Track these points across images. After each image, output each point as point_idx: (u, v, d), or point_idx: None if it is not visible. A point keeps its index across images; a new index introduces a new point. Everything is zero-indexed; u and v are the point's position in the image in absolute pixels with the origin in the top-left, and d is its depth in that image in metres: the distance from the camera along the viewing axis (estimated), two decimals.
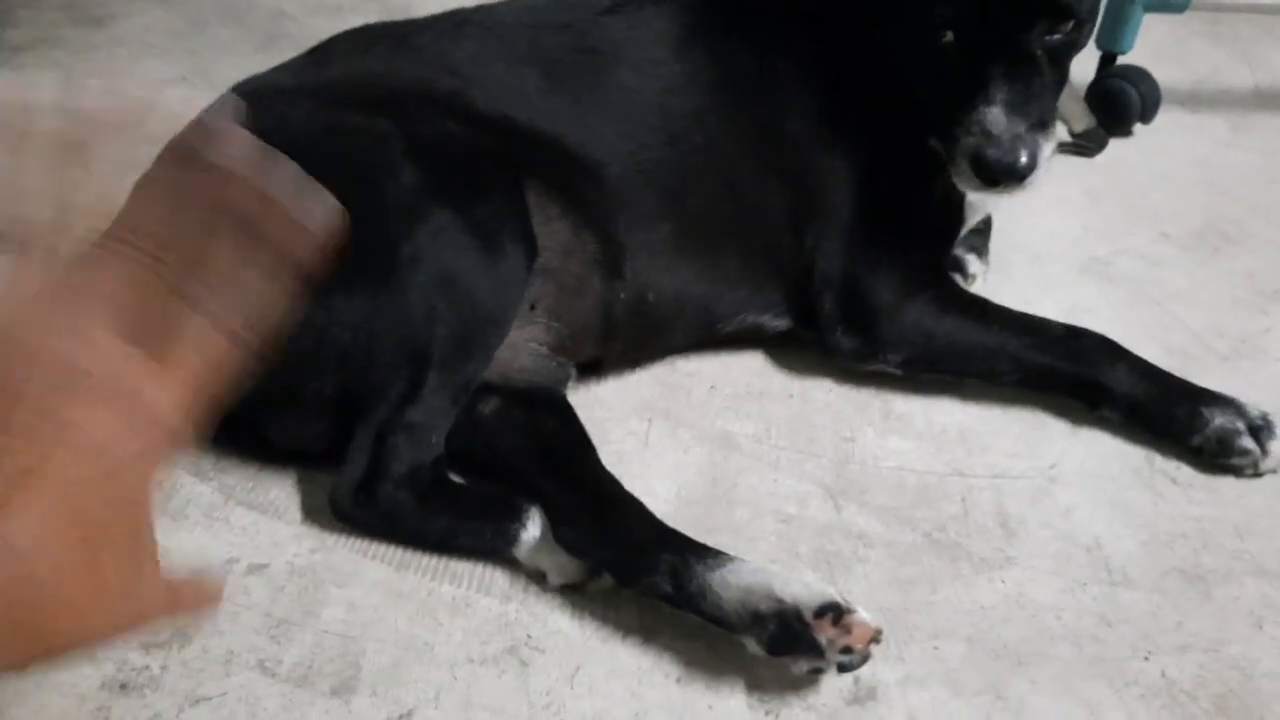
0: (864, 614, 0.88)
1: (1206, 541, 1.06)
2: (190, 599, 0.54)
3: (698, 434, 1.15)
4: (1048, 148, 1.05)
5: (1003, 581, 1.02)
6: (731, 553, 1.01)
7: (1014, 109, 1.03)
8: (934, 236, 1.22)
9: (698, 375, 1.22)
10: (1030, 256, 1.43)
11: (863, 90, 1.16)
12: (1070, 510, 1.09)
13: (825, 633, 0.87)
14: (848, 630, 0.87)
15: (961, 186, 1.11)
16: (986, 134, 1.03)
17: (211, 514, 1.02)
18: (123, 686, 0.88)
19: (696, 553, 0.92)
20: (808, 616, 0.87)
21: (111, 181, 0.55)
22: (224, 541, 1.00)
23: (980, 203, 1.24)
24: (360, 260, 0.97)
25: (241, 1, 1.84)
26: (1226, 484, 1.12)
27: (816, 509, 1.08)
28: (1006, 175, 1.03)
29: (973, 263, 1.33)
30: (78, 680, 0.88)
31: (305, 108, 1.07)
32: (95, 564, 0.47)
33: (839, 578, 1.01)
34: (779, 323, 1.21)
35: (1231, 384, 1.22)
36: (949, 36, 1.05)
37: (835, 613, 0.87)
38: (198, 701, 0.87)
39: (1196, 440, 1.13)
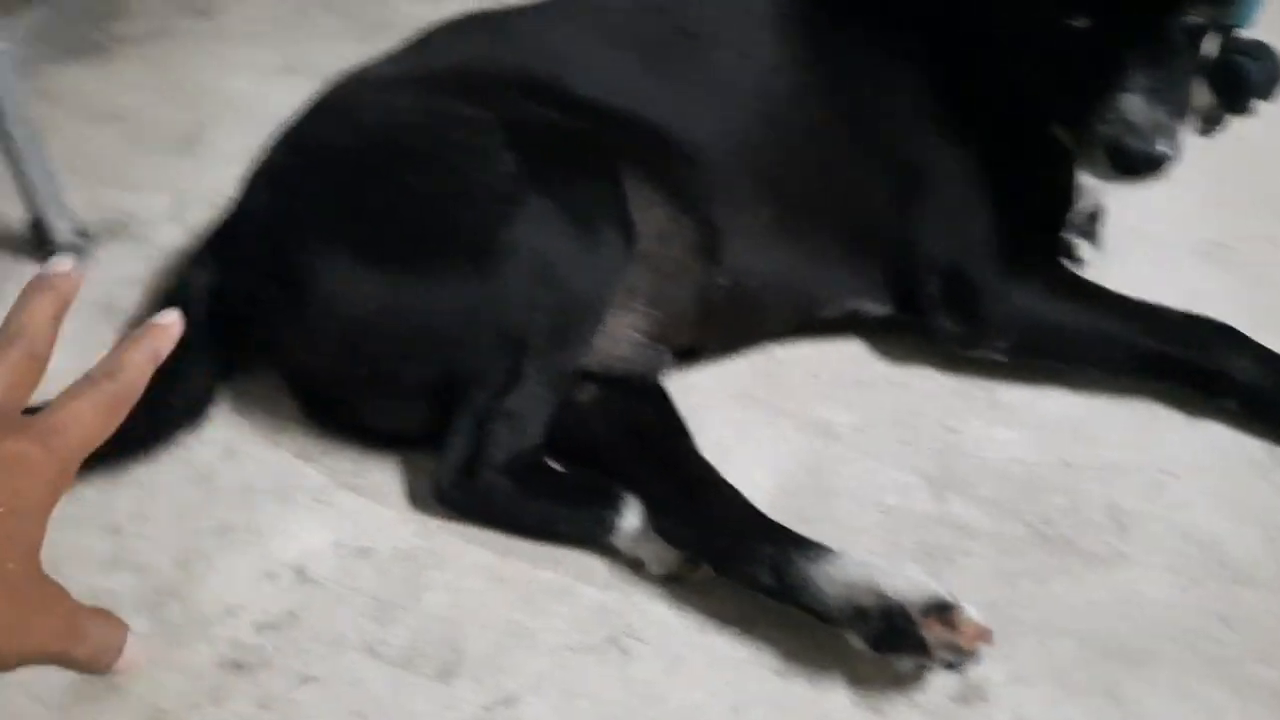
0: (972, 612, 0.86)
1: None
2: (93, 633, 0.52)
3: (796, 422, 1.13)
4: (1184, 134, 1.01)
5: (1115, 578, 0.99)
6: (832, 545, 0.99)
7: (1154, 96, 0.99)
8: (1044, 220, 1.18)
9: (796, 362, 1.20)
10: (1144, 239, 1.37)
11: (974, 71, 1.12)
12: (1186, 505, 1.05)
13: (932, 631, 0.85)
14: (955, 629, 0.85)
15: (1094, 175, 1.07)
16: (1126, 123, 0.99)
17: (319, 497, 1.04)
18: (236, 665, 0.90)
19: (798, 545, 0.91)
20: (914, 614, 0.85)
21: None
22: (331, 525, 1.02)
23: (1093, 186, 1.20)
24: (460, 248, 0.99)
25: None
26: None
27: (919, 500, 1.05)
28: (1147, 165, 1.00)
29: (1084, 247, 1.28)
30: (192, 658, 0.91)
31: (407, 97, 1.08)
32: None
33: (942, 570, 0.99)
34: (880, 308, 1.18)
35: None
36: (1082, 21, 1.01)
37: (942, 610, 0.85)
38: (307, 681, 0.89)
39: None
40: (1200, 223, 1.40)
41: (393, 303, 0.99)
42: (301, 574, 0.98)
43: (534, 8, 1.20)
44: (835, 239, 1.15)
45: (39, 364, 0.54)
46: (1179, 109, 1.02)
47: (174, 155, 1.50)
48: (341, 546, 1.00)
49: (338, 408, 1.06)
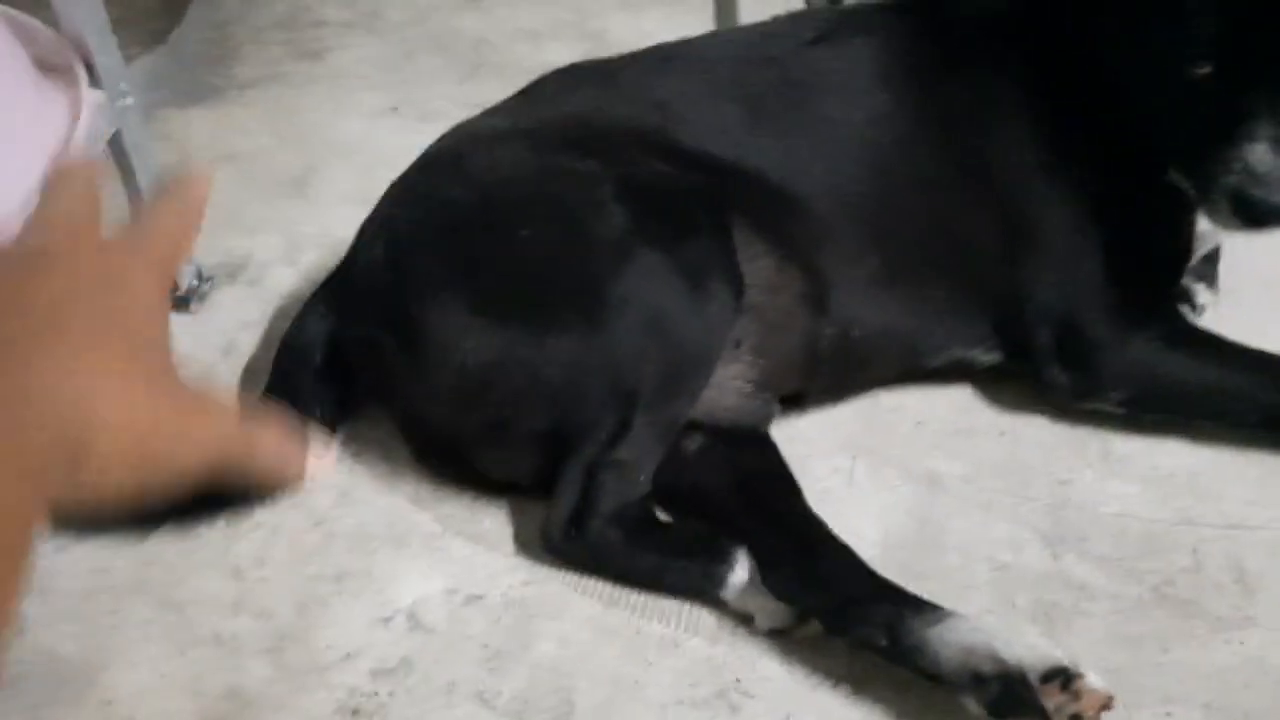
0: (1094, 678, 0.84)
1: None
2: (268, 441, 0.49)
3: (903, 473, 1.12)
4: None
5: (1241, 643, 0.95)
6: (942, 602, 0.98)
7: None
8: (1161, 268, 1.16)
9: (902, 410, 1.19)
10: (1261, 283, 1.33)
11: (1087, 119, 1.11)
12: None
13: (1052, 698, 0.83)
14: (1076, 696, 0.83)
15: (1217, 225, 1.05)
16: (1252, 173, 0.97)
17: (431, 543, 1.06)
18: (354, 712, 0.93)
19: (912, 606, 0.90)
20: (1033, 680, 0.84)
21: None
22: (443, 571, 1.04)
23: (1212, 232, 1.17)
24: (572, 301, 1.00)
25: (446, 31, 1.91)
26: None
27: (1032, 556, 1.03)
28: (1274, 218, 0.97)
29: (1201, 292, 1.24)
30: (312, 704, 0.93)
31: (517, 149, 1.10)
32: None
33: (1059, 632, 0.97)
34: (989, 356, 1.17)
35: None
36: (1205, 69, 0.99)
37: (1063, 677, 0.83)
38: None
39: None
40: None
41: (506, 354, 1.00)
42: (415, 620, 1.00)
43: (641, 58, 1.21)
44: (944, 288, 1.13)
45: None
46: None
47: (286, 197, 1.55)
48: (453, 593, 1.02)
49: (450, 455, 1.08)
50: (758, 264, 1.08)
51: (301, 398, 1.10)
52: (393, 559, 1.05)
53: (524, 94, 1.21)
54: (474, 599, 1.01)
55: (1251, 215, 1.00)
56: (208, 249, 1.42)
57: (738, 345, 1.07)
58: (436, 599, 1.01)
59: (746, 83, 1.15)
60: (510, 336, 1.00)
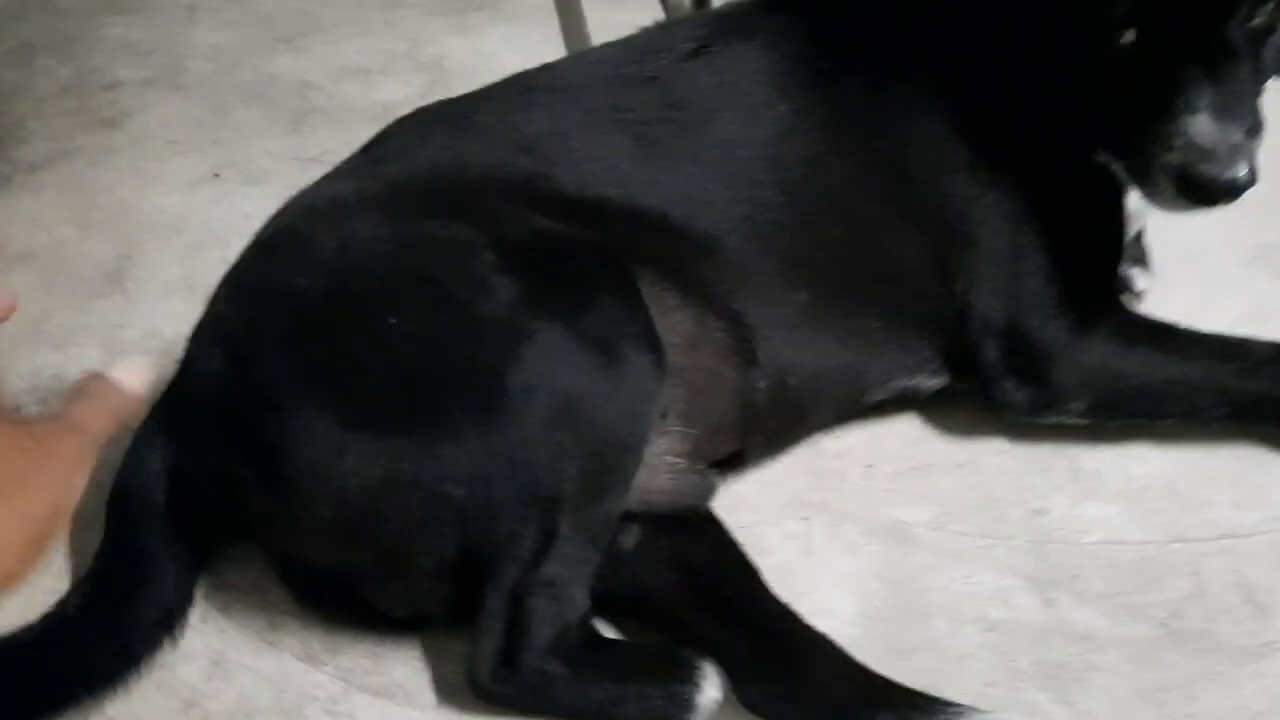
0: None
1: None
2: None
3: (865, 528, 0.99)
4: (1259, 152, 0.88)
5: (1269, 675, 0.86)
6: (939, 680, 0.86)
7: (1224, 113, 0.86)
8: (1101, 259, 1.06)
9: (849, 455, 1.06)
10: (1188, 254, 1.25)
11: (1005, 106, 1.00)
12: None
13: None
14: None
15: (1161, 208, 0.95)
16: (1195, 147, 0.86)
17: (332, 708, 0.88)
18: None
19: (919, 706, 0.77)
20: None
21: None
22: None
23: (1139, 211, 1.07)
24: (464, 397, 0.84)
25: (261, 77, 1.69)
26: None
27: (1025, 608, 0.92)
28: (1226, 193, 0.87)
29: (1139, 277, 1.16)
30: None
31: (370, 220, 0.92)
32: None
33: (1073, 695, 0.85)
34: (935, 381, 1.05)
35: None
36: (1130, 36, 0.88)
37: None
38: None
39: None
40: (1244, 225, 1.28)
41: (393, 473, 0.83)
42: None
43: (498, 93, 1.05)
44: (879, 314, 1.01)
45: None
46: (1254, 124, 0.90)
47: (99, 296, 1.32)
48: None
49: (342, 595, 0.90)
50: (671, 319, 0.93)
51: (147, 557, 0.90)
52: None
53: (366, 151, 1.03)
54: None
55: (1201, 194, 0.90)
56: (11, 369, 1.20)
57: (664, 416, 0.92)
58: None
59: (626, 109, 1.00)
60: (394, 450, 0.83)
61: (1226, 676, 0.86)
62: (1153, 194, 0.95)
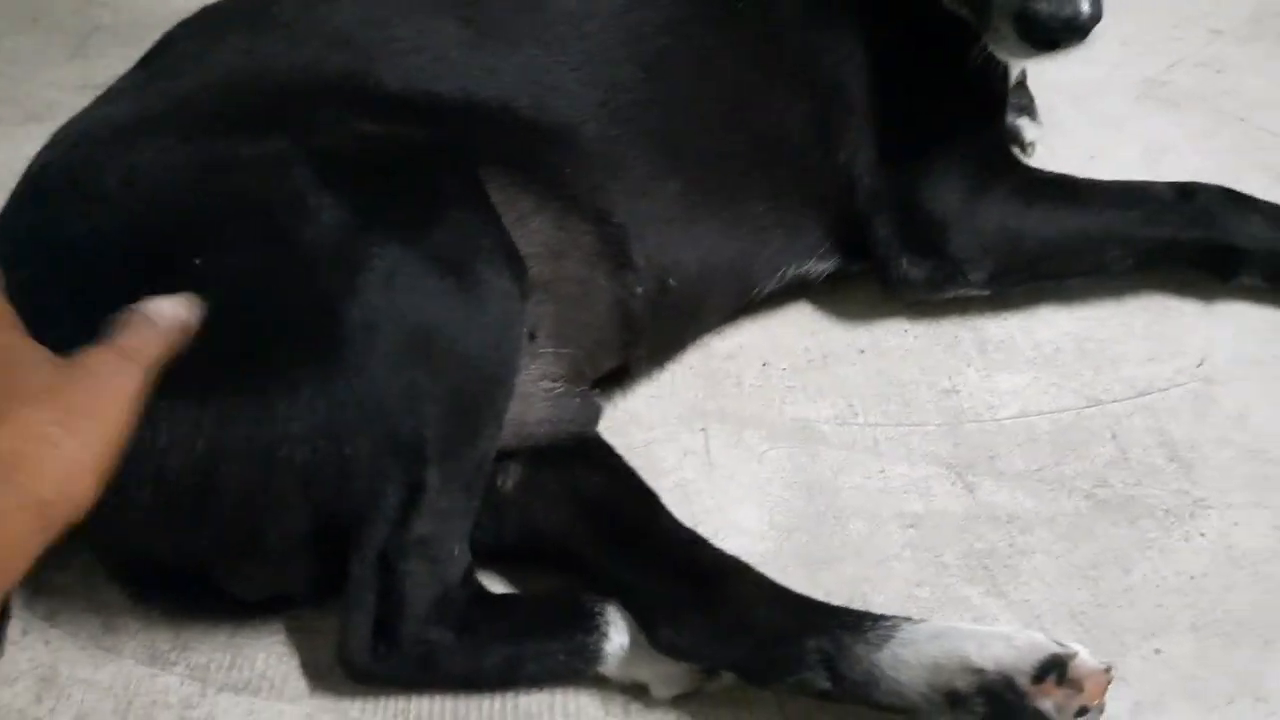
0: (1087, 656, 0.67)
1: None
2: None
3: (768, 432, 0.91)
4: None
5: (1201, 534, 0.81)
6: (864, 587, 0.80)
7: None
8: (984, 112, 0.97)
9: (742, 354, 0.97)
10: (1074, 96, 1.18)
11: None
12: (1243, 415, 0.89)
13: (1051, 698, 0.65)
14: (1078, 686, 0.65)
15: (1005, 56, 0.86)
16: None
17: (187, 712, 0.76)
18: None
19: (850, 627, 0.69)
20: (1023, 684, 0.65)
21: None
22: None
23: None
24: (296, 342, 0.71)
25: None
26: None
27: (946, 497, 0.85)
28: (1067, 33, 0.78)
29: (1028, 127, 1.08)
30: None
31: (159, 145, 0.78)
32: None
33: (1005, 585, 0.79)
34: (826, 265, 0.96)
35: None
36: None
37: (1058, 669, 0.65)
38: None
39: None
40: (1127, 60, 1.22)
41: (223, 438, 0.70)
42: None
43: None
44: (762, 197, 0.91)
45: None
46: None
47: None
48: None
49: (185, 586, 0.78)
50: (531, 226, 0.81)
51: None
52: None
53: (147, 63, 0.87)
54: None
55: (1041, 37, 0.80)
56: None
57: (533, 337, 0.81)
58: None
59: None
60: (218, 415, 0.70)
61: (1159, 542, 0.81)
62: (995, 40, 0.85)
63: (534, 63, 0.85)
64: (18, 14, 1.45)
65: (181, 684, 0.77)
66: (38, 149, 0.84)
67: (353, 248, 0.72)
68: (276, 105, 0.80)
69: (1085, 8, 0.79)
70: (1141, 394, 0.91)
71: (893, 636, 0.68)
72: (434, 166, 0.77)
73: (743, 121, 0.90)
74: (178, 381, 0.69)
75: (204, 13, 0.90)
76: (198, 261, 0.72)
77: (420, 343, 0.72)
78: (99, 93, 0.89)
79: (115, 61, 0.94)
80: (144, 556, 0.77)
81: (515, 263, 0.76)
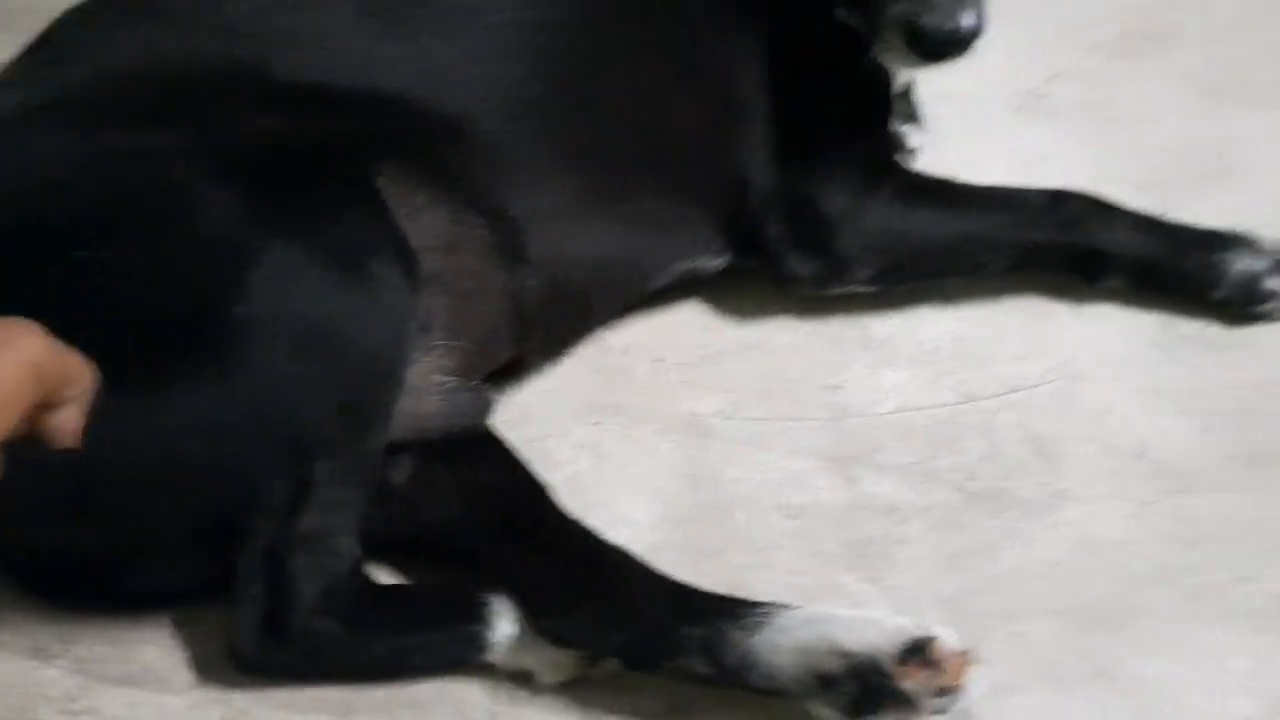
0: (949, 637, 0.71)
1: (1254, 410, 0.92)
2: None
3: (659, 426, 0.93)
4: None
5: (1062, 525, 0.86)
6: (746, 575, 0.83)
7: None
8: (871, 118, 1.01)
9: (635, 349, 0.99)
10: (957, 105, 1.22)
11: None
12: (1105, 412, 0.94)
13: (914, 679, 0.69)
14: (939, 667, 0.69)
15: (894, 65, 0.90)
16: None
17: (70, 706, 0.76)
18: None
19: (727, 613, 0.72)
20: (888, 666, 0.69)
21: None
22: None
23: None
24: (186, 337, 0.72)
25: None
26: (1258, 336, 0.98)
27: (827, 489, 0.89)
28: (952, 46, 0.83)
29: (912, 134, 1.12)
30: None
31: (48, 135, 0.77)
32: None
33: (881, 572, 0.83)
34: (717, 261, 0.99)
35: (1223, 210, 1.07)
36: None
37: (921, 651, 0.69)
38: None
39: (1218, 293, 0.98)
40: (1009, 73, 1.26)
41: (109, 434, 0.70)
42: None
43: None
44: (654, 194, 0.93)
45: None
46: None
47: None
48: None
49: (76, 581, 0.78)
50: (424, 220, 0.82)
51: None
52: None
53: (32, 53, 0.86)
54: None
55: (928, 48, 0.85)
56: None
57: (425, 331, 0.82)
58: None
59: None
60: (111, 407, 0.70)
61: (1023, 532, 0.85)
62: (885, 50, 0.89)
63: (432, 56, 0.85)
64: None
65: (65, 676, 0.78)
66: None
67: (242, 242, 0.72)
68: (169, 97, 0.80)
69: (968, 22, 0.84)
70: (1012, 391, 0.95)
71: (768, 623, 0.71)
72: (327, 162, 0.77)
73: (638, 121, 0.92)
74: None
75: (93, 1, 0.89)
76: (85, 256, 0.72)
77: (310, 338, 0.72)
78: None
79: (5, 49, 0.93)
80: (34, 549, 0.77)
81: (407, 258, 0.77)
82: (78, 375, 0.56)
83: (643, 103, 0.92)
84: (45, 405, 0.54)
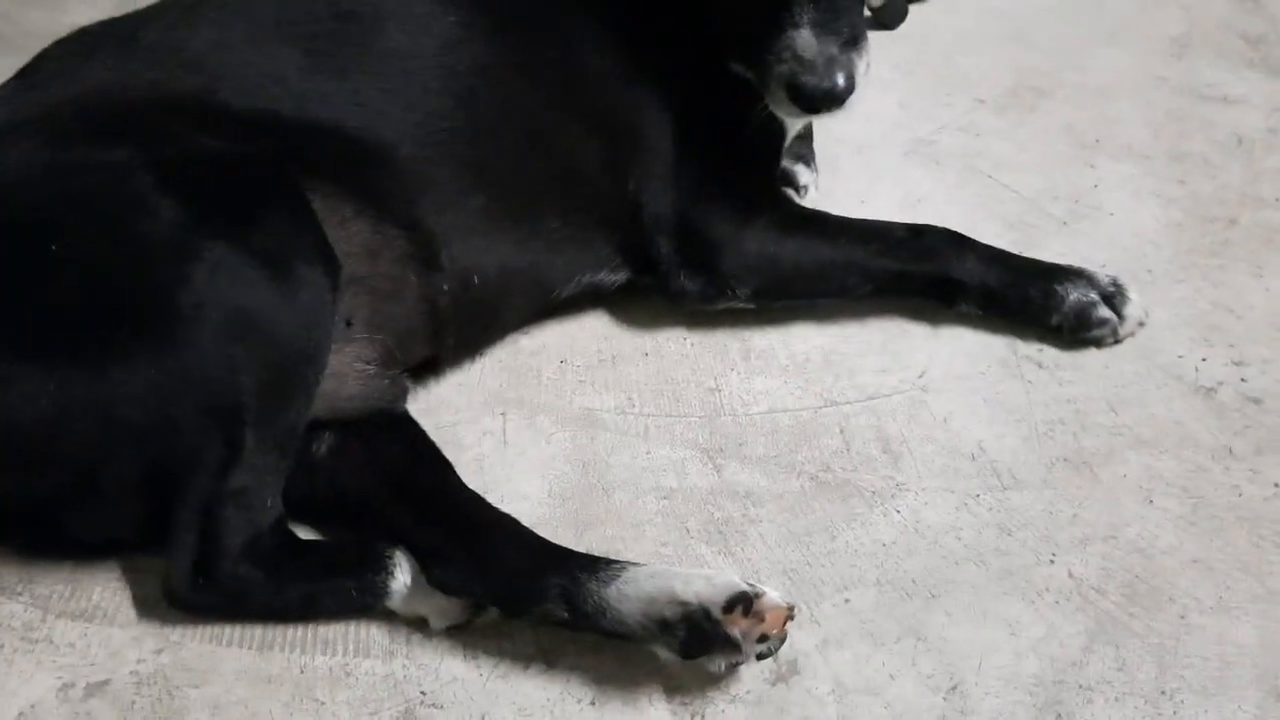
0: (773, 595, 0.83)
1: (1083, 423, 1.05)
2: None
3: (557, 418, 1.06)
4: (863, 62, 0.98)
5: (898, 511, 0.99)
6: (618, 545, 0.95)
7: (823, 28, 0.96)
8: (760, 157, 1.15)
9: (544, 352, 1.12)
10: (854, 148, 1.37)
11: (658, 17, 1.06)
12: (948, 418, 1.06)
13: (738, 626, 0.81)
14: (760, 618, 0.82)
15: (780, 114, 1.04)
16: (799, 59, 0.96)
17: (28, 635, 0.89)
18: None
19: (586, 567, 0.85)
20: (716, 614, 0.81)
21: None
22: (51, 664, 0.87)
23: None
24: (135, 320, 0.85)
25: None
26: (1090, 358, 1.11)
27: (697, 475, 1.02)
28: (826, 102, 0.97)
29: (803, 173, 1.26)
30: None
31: (23, 148, 0.90)
32: None
33: (734, 546, 0.96)
34: (617, 276, 1.12)
35: (1077, 248, 1.22)
36: None
37: (745, 603, 0.82)
38: None
39: (1055, 319, 1.11)
40: (905, 122, 1.41)
41: (66, 399, 0.83)
42: None
43: (164, 10, 1.03)
44: (557, 215, 1.07)
45: None
46: (852, 37, 0.99)
47: None
48: (70, 688, 0.86)
49: (31, 528, 0.90)
50: (349, 229, 0.96)
51: None
52: None
53: (22, 76, 0.99)
54: (98, 687, 0.86)
55: (805, 102, 0.99)
56: None
57: (349, 325, 0.96)
58: (50, 700, 0.85)
59: (294, 23, 1.01)
60: (67, 377, 0.83)
61: (862, 516, 0.98)
62: (772, 101, 1.03)
63: (362, 90, 0.99)
64: None
65: (25, 610, 0.90)
66: None
67: (185, 242, 0.85)
68: (130, 118, 0.93)
69: (841, 83, 0.98)
70: (869, 398, 1.08)
71: (619, 576, 0.84)
72: (262, 177, 0.91)
73: (541, 152, 1.05)
74: (31, 349, 0.83)
75: (79, 33, 1.03)
76: (52, 248, 0.85)
77: (241, 324, 0.85)
78: None
79: (6, 69, 1.06)
80: None
81: (329, 260, 0.91)
82: None
83: (546, 137, 1.05)
84: None
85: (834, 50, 0.95)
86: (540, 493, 1.00)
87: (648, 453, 1.03)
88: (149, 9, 1.05)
